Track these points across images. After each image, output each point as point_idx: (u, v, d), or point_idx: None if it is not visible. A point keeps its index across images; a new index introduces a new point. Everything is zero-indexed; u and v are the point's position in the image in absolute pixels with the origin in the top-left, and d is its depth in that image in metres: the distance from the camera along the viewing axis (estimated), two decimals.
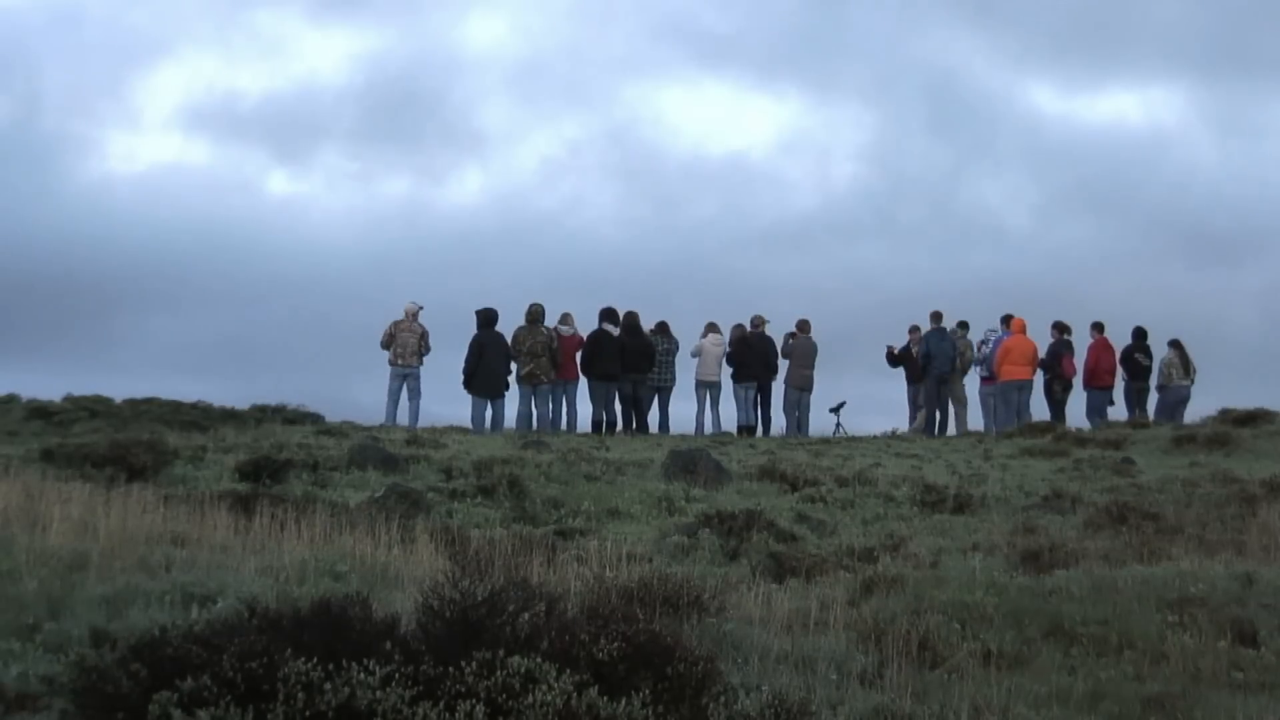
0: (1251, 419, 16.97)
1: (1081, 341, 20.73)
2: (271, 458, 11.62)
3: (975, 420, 21.05)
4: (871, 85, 55.27)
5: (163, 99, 55.23)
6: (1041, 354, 20.59)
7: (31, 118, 48.83)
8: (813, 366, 21.16)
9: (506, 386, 19.28)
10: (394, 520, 8.19)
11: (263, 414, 19.57)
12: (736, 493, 11.69)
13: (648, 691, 4.45)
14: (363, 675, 4.27)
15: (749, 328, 21.05)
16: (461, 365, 19.21)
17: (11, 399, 19.28)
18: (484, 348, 19.06)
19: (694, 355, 20.69)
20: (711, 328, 21.05)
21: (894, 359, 21.40)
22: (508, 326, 19.32)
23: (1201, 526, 9.55)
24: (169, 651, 4.86)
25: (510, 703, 4.34)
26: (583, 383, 19.78)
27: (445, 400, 20.43)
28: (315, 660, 4.26)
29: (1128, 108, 53.51)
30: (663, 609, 6.45)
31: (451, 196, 52.58)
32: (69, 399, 18.89)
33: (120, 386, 25.26)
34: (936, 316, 21.01)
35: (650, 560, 8.07)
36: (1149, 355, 20.61)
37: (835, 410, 21.50)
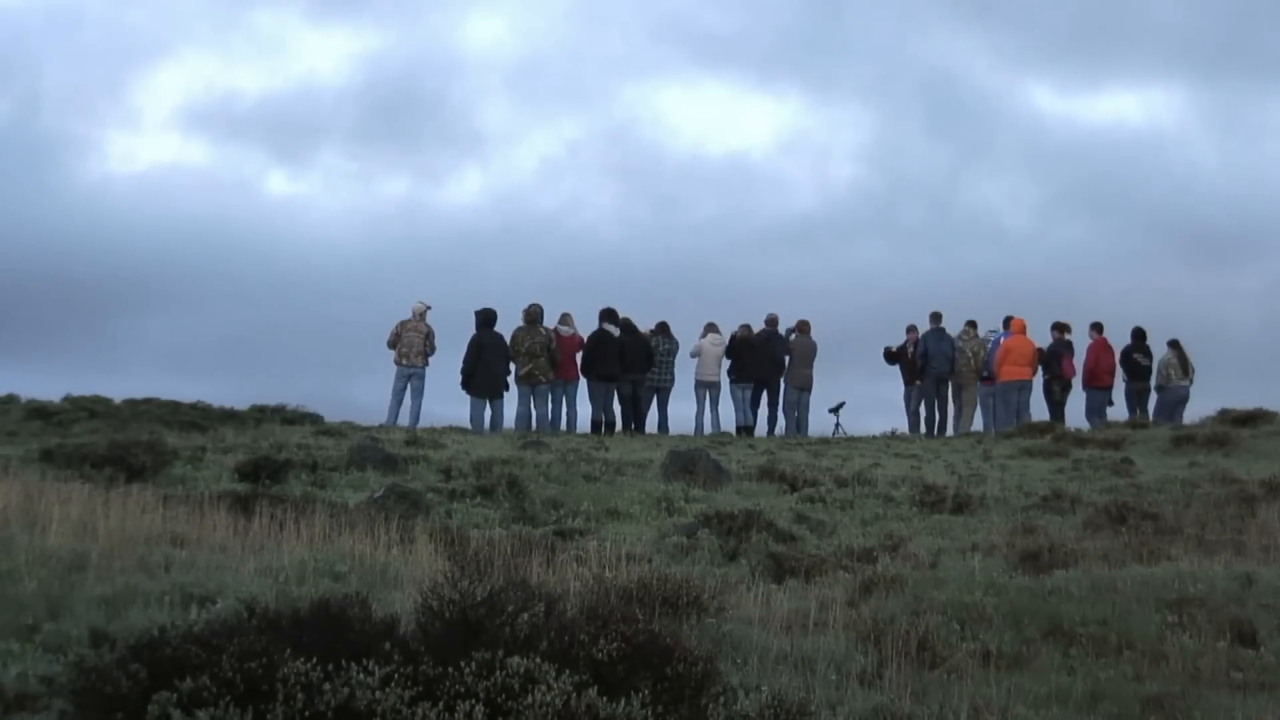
0: (1251, 419, 16.97)
1: (1081, 342, 20.75)
2: (271, 458, 11.62)
3: (974, 420, 21.08)
4: (871, 85, 55.29)
5: (162, 99, 55.23)
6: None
7: (31, 118, 48.83)
8: (812, 366, 21.17)
9: (506, 387, 19.27)
10: (393, 520, 8.19)
11: (262, 414, 19.56)
12: (736, 493, 11.69)
13: (647, 692, 4.45)
14: (362, 676, 4.27)
15: (761, 327, 21.06)
16: (460, 365, 19.22)
17: (11, 399, 19.27)
18: (482, 348, 19.06)
19: (693, 355, 20.70)
20: (711, 328, 21.05)
21: (890, 356, 21.41)
22: (507, 327, 19.34)
23: (1201, 527, 9.55)
24: (168, 652, 4.87)
25: (510, 703, 4.35)
26: (582, 383, 19.79)
27: (445, 400, 20.43)
28: (314, 660, 4.26)
29: (1127, 108, 53.52)
30: (662, 609, 6.45)
31: (451, 196, 52.60)
32: (68, 399, 18.88)
33: (119, 387, 25.30)
34: (936, 317, 21.02)
35: (649, 560, 8.07)
36: (1148, 355, 20.62)
37: (835, 410, 21.51)
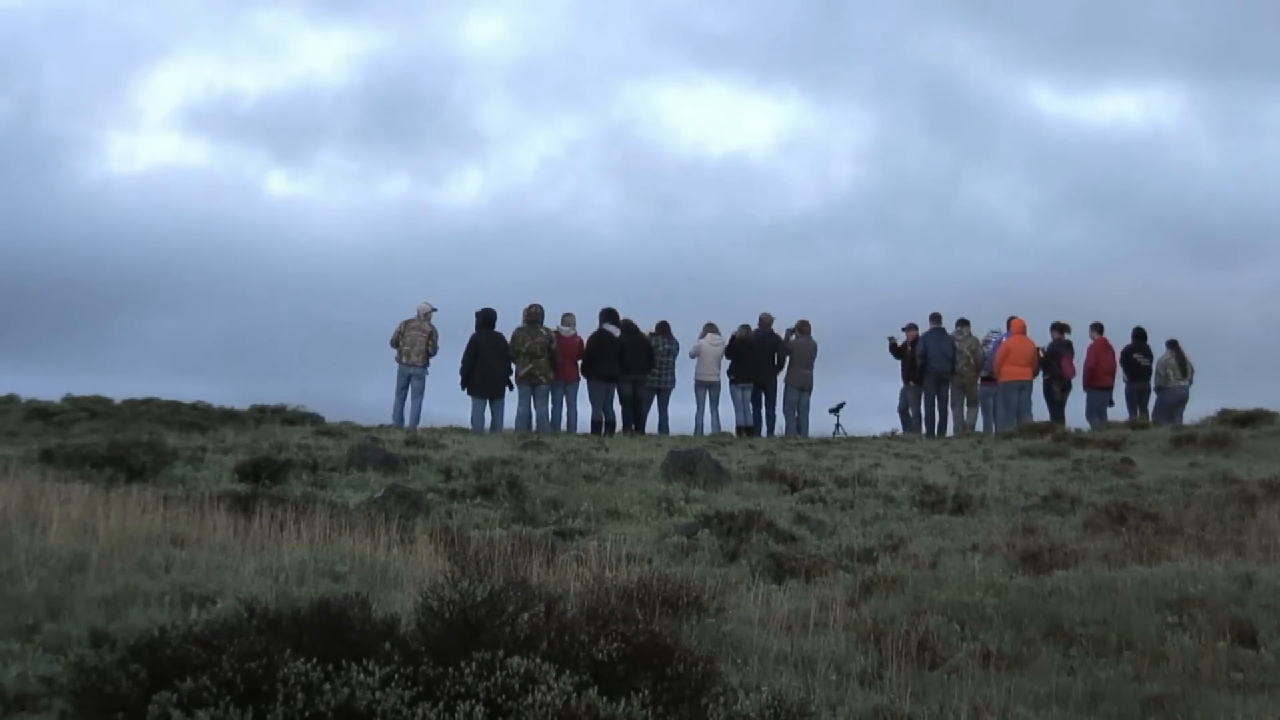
0: (1251, 419, 16.97)
1: (1081, 342, 20.74)
2: (271, 458, 11.62)
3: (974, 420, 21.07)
4: (871, 86, 55.29)
5: (162, 99, 55.21)
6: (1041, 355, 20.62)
7: (31, 118, 48.83)
8: (812, 366, 21.17)
9: (508, 387, 19.26)
10: (393, 521, 8.19)
11: (262, 414, 19.57)
12: (736, 493, 11.69)
13: (647, 692, 4.45)
14: (362, 676, 4.27)
15: (755, 327, 21.06)
16: (460, 366, 19.23)
17: (11, 399, 19.27)
18: (480, 348, 19.06)
19: (692, 356, 20.69)
20: (710, 328, 21.05)
21: (895, 349, 21.37)
22: (507, 327, 19.33)
23: (1201, 527, 9.55)
24: (168, 652, 4.87)
25: (510, 703, 4.35)
26: (582, 383, 19.78)
27: (445, 401, 20.44)
28: (315, 661, 4.26)
29: (1127, 108, 53.51)
30: (662, 610, 6.45)
31: (451, 197, 52.58)
32: (68, 399, 18.87)
33: (119, 387, 25.30)
34: (936, 318, 21.01)
35: (649, 561, 8.08)
36: (1149, 356, 20.61)
37: (835, 411, 21.50)
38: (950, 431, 20.70)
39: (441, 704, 4.19)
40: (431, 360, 19.65)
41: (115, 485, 9.10)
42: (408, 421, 19.09)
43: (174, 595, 5.62)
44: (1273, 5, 49.69)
